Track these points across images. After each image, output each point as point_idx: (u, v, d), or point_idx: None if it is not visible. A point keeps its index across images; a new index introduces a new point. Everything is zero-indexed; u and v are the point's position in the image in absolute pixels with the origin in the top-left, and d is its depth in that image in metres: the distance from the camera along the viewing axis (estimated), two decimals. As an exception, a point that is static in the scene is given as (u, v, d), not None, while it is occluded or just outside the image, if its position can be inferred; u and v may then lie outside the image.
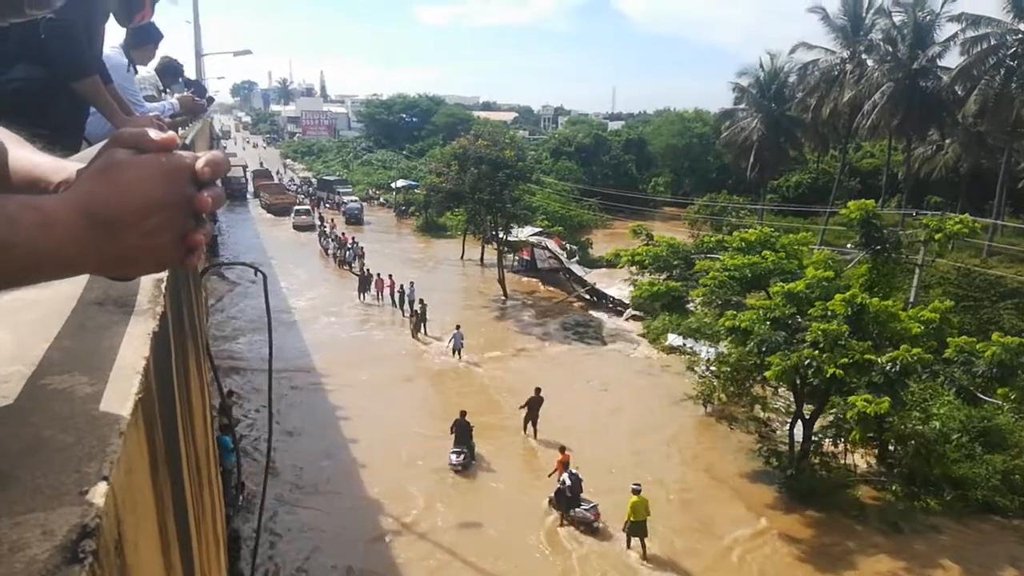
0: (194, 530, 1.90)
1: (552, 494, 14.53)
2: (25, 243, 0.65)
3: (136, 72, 5.21)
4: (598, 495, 14.68)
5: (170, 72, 7.24)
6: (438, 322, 26.18)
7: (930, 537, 14.71)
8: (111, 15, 3.35)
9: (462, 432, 16.42)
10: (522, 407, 18.05)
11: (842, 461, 16.97)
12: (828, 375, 14.07)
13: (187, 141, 7.01)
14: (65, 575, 0.64)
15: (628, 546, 13.59)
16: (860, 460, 17.29)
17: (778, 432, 18.36)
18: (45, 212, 0.67)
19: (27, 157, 0.89)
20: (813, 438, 16.47)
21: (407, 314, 27.35)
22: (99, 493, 0.77)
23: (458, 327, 23.80)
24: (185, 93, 7.08)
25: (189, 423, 2.09)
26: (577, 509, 14.05)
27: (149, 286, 1.59)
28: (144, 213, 0.68)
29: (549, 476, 15.16)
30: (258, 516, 4.27)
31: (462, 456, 16.18)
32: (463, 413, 16.69)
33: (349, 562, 12.83)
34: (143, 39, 5.31)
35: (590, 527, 14.05)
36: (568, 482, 14.07)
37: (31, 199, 0.68)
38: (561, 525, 14.22)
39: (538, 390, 18.04)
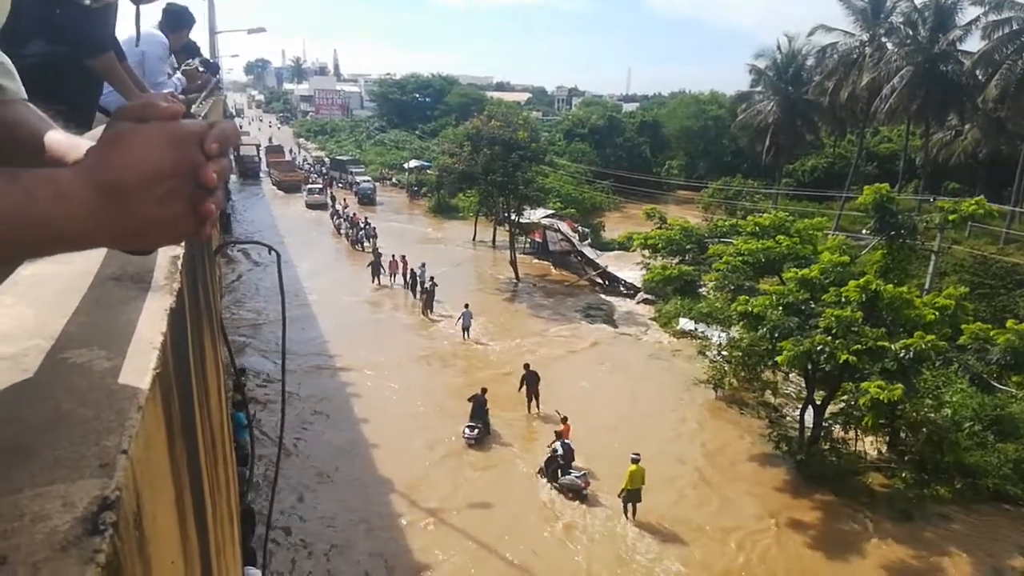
0: (209, 504, 1.92)
1: (543, 463, 15.20)
2: (42, 216, 0.65)
3: (171, 54, 5.30)
4: (602, 470, 14.94)
5: (187, 52, 7.24)
6: (450, 303, 26.27)
7: (940, 525, 14.69)
8: None
9: (478, 408, 16.88)
10: (520, 387, 18.40)
11: (852, 447, 16.94)
12: (841, 361, 14.01)
13: (192, 110, 7.01)
14: (86, 546, 0.65)
15: (625, 514, 14.06)
16: (870, 447, 17.26)
17: (788, 418, 18.34)
18: (60, 184, 0.67)
19: (51, 136, 0.90)
20: (824, 424, 16.43)
21: (418, 295, 27.43)
22: (119, 466, 0.78)
23: (467, 306, 23.90)
24: (188, 65, 7.05)
25: (204, 399, 2.10)
26: (567, 476, 14.61)
27: (165, 263, 1.60)
28: (153, 181, 0.68)
29: (548, 447, 15.51)
30: (271, 493, 4.32)
31: (476, 431, 16.62)
32: (483, 391, 17.14)
33: (365, 542, 13.01)
34: (179, 23, 5.50)
35: (579, 494, 14.55)
36: (560, 451, 14.75)
37: (46, 172, 0.68)
38: (554, 490, 14.79)
39: (527, 365, 18.54)
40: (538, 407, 18.30)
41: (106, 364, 1.04)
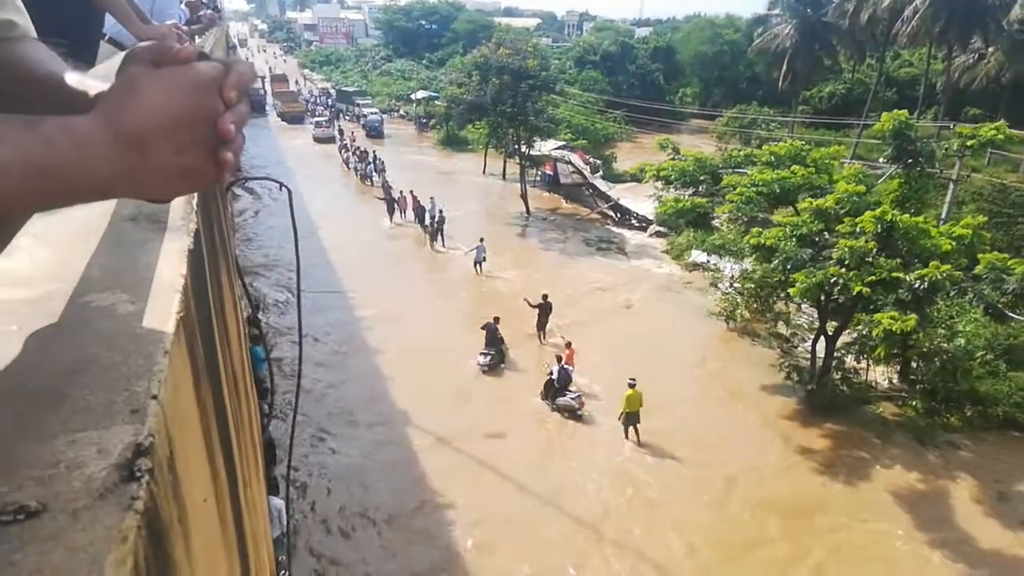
0: (235, 440, 1.96)
1: (542, 386, 15.92)
2: (62, 165, 0.63)
3: None
4: (613, 395, 15.29)
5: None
6: (460, 237, 26.23)
7: (947, 451, 14.93)
8: None
9: (491, 336, 17.33)
10: (534, 306, 18.64)
11: (864, 377, 17.07)
12: (855, 293, 13.96)
13: (206, 51, 6.86)
14: (123, 493, 0.65)
15: (626, 436, 14.67)
16: (881, 377, 17.40)
17: (800, 348, 18.44)
18: (79, 133, 0.65)
19: (67, 77, 0.87)
20: (835, 354, 16.52)
21: (428, 230, 27.39)
22: (150, 412, 0.78)
23: (481, 240, 23.86)
24: None
25: (225, 337, 2.12)
26: (563, 398, 15.38)
27: (180, 202, 1.57)
28: (172, 130, 0.66)
29: (546, 371, 16.05)
30: (291, 426, 4.40)
31: (489, 357, 17.14)
32: (496, 319, 17.50)
33: (380, 473, 13.39)
34: None
35: (574, 414, 15.35)
36: (555, 374, 15.48)
37: (65, 120, 0.66)
38: (553, 411, 15.58)
39: (545, 296, 18.77)
40: (545, 337, 18.57)
41: (130, 308, 1.04)
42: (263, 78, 60.01)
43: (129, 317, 1.01)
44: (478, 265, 23.62)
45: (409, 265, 24.91)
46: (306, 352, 16.31)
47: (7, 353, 0.87)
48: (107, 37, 4.01)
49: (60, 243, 1.28)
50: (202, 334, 1.37)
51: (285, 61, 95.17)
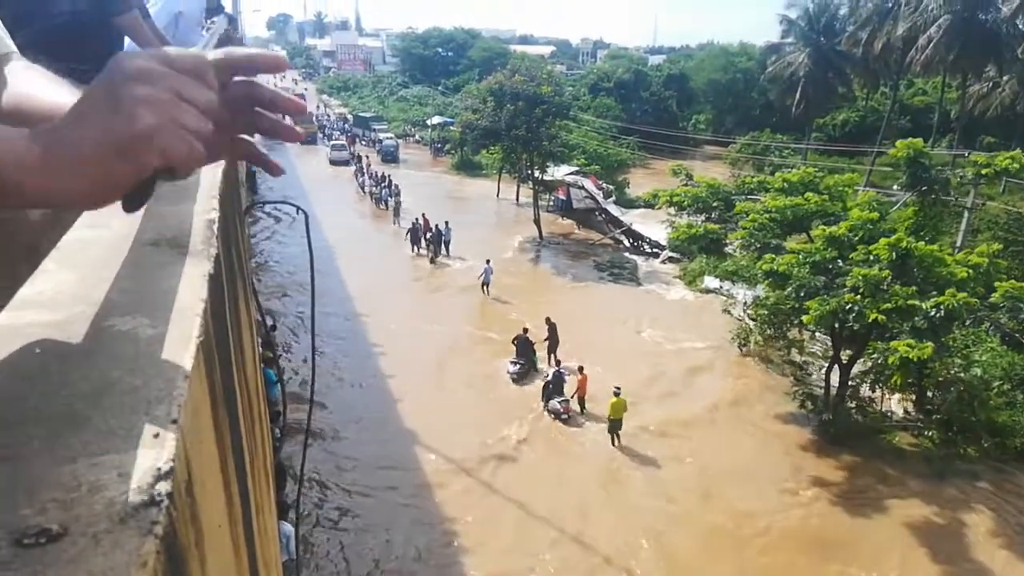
0: (248, 465, 1.96)
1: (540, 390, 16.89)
2: None
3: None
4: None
5: (212, 12, 7.19)
6: (472, 259, 26.30)
7: (966, 484, 14.67)
8: None
9: (523, 347, 18.04)
10: (544, 339, 18.68)
11: (879, 407, 16.87)
12: (870, 320, 13.85)
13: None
14: (143, 517, 0.66)
15: (613, 443, 15.35)
16: (897, 406, 17.18)
17: (814, 376, 18.26)
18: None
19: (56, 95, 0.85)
20: (850, 383, 16.35)
21: (443, 254, 27.52)
22: (170, 436, 0.78)
23: (488, 262, 23.98)
24: (213, 23, 7.00)
25: (240, 359, 2.13)
26: (552, 401, 16.30)
27: (201, 226, 1.60)
28: (107, 86, 0.60)
29: (572, 397, 16.39)
30: (303, 453, 4.41)
31: (518, 366, 17.85)
32: (525, 330, 18.27)
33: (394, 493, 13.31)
34: None
35: (559, 416, 16.18)
36: (550, 378, 16.56)
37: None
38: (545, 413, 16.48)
39: (548, 319, 18.99)
40: (557, 361, 18.49)
41: (150, 332, 1.05)
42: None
43: (150, 341, 1.02)
44: (485, 286, 23.70)
45: (419, 286, 25.02)
46: (318, 374, 16.29)
47: (30, 376, 0.89)
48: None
49: (83, 267, 1.30)
50: (220, 358, 1.38)
51: (306, 88, 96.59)
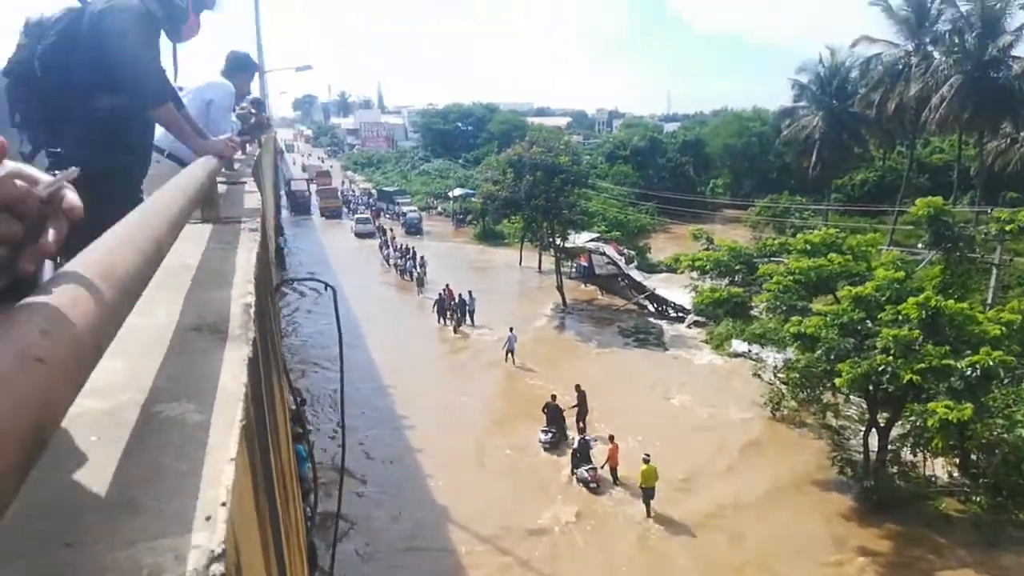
0: (284, 544, 1.98)
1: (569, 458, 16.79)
2: None
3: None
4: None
5: (241, 97, 7.51)
6: (496, 328, 26.36)
7: (1021, 550, 13.99)
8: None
9: (553, 415, 17.92)
10: (573, 406, 18.58)
11: (921, 471, 16.32)
12: (904, 381, 13.57)
13: (255, 156, 7.27)
14: (200, 599, 0.70)
15: (647, 513, 14.98)
16: (941, 470, 16.59)
17: (852, 440, 17.78)
18: None
19: None
20: (889, 447, 15.89)
21: (467, 323, 27.65)
22: (220, 519, 0.83)
23: (511, 330, 24.00)
24: (242, 108, 7.31)
25: (275, 438, 2.17)
26: (579, 469, 16.16)
27: (239, 311, 1.67)
28: None
29: (601, 467, 16.20)
30: (334, 533, 4.38)
31: (550, 435, 17.68)
32: (554, 397, 18.24)
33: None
34: (244, 69, 5.82)
35: (587, 484, 16.03)
36: (576, 446, 16.54)
37: None
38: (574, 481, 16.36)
39: (577, 386, 18.95)
40: (580, 429, 18.24)
41: (196, 417, 1.11)
42: (309, 181, 63.21)
43: (196, 427, 1.08)
44: (510, 354, 23.68)
45: (445, 357, 25.05)
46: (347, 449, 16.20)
47: (89, 462, 0.94)
48: (166, 153, 4.31)
49: (132, 354, 1.37)
50: (259, 441, 1.43)
51: (331, 165, 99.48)
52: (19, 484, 0.56)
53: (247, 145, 7.03)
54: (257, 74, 30.76)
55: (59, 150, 2.84)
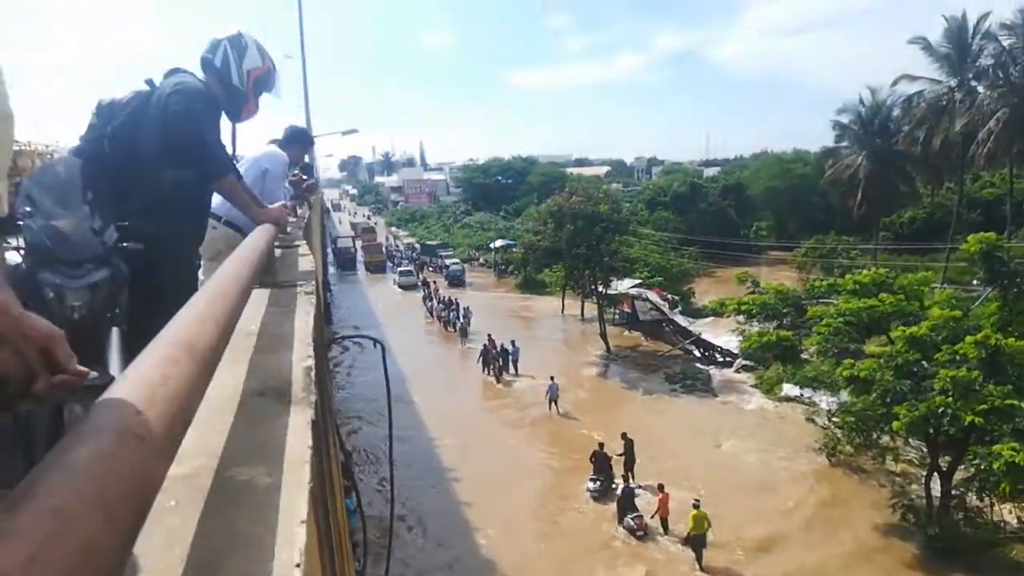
0: (342, 602, 2.02)
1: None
2: None
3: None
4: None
5: (294, 164, 7.87)
6: (542, 380, 26.23)
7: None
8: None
9: (601, 462, 17.73)
10: (619, 455, 18.27)
11: (988, 516, 15.55)
12: (966, 423, 13.06)
13: (305, 219, 7.52)
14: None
15: (699, 565, 14.50)
16: (1010, 515, 15.78)
17: (913, 485, 17.07)
18: None
19: None
20: (953, 492, 15.21)
21: (511, 372, 27.62)
22: (296, 580, 0.88)
23: (552, 378, 23.87)
24: (294, 176, 7.61)
25: (331, 494, 2.23)
26: (626, 519, 15.96)
27: (300, 374, 1.75)
28: None
29: (651, 517, 15.92)
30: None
31: (598, 483, 17.50)
32: (601, 444, 18.10)
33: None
34: (302, 142, 6.25)
35: (633, 534, 15.80)
36: (620, 494, 16.40)
37: None
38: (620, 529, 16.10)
39: (624, 435, 18.64)
40: (633, 479, 17.85)
41: (267, 480, 1.17)
42: (354, 238, 64.68)
43: (267, 490, 1.14)
44: (553, 402, 23.50)
45: (489, 407, 24.97)
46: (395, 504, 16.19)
47: (171, 527, 1.00)
48: (223, 220, 4.51)
49: (200, 419, 1.44)
50: (321, 499, 1.48)
51: (376, 222, 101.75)
52: (127, 553, 0.63)
53: (298, 208, 7.31)
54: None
55: (126, 223, 3.02)
